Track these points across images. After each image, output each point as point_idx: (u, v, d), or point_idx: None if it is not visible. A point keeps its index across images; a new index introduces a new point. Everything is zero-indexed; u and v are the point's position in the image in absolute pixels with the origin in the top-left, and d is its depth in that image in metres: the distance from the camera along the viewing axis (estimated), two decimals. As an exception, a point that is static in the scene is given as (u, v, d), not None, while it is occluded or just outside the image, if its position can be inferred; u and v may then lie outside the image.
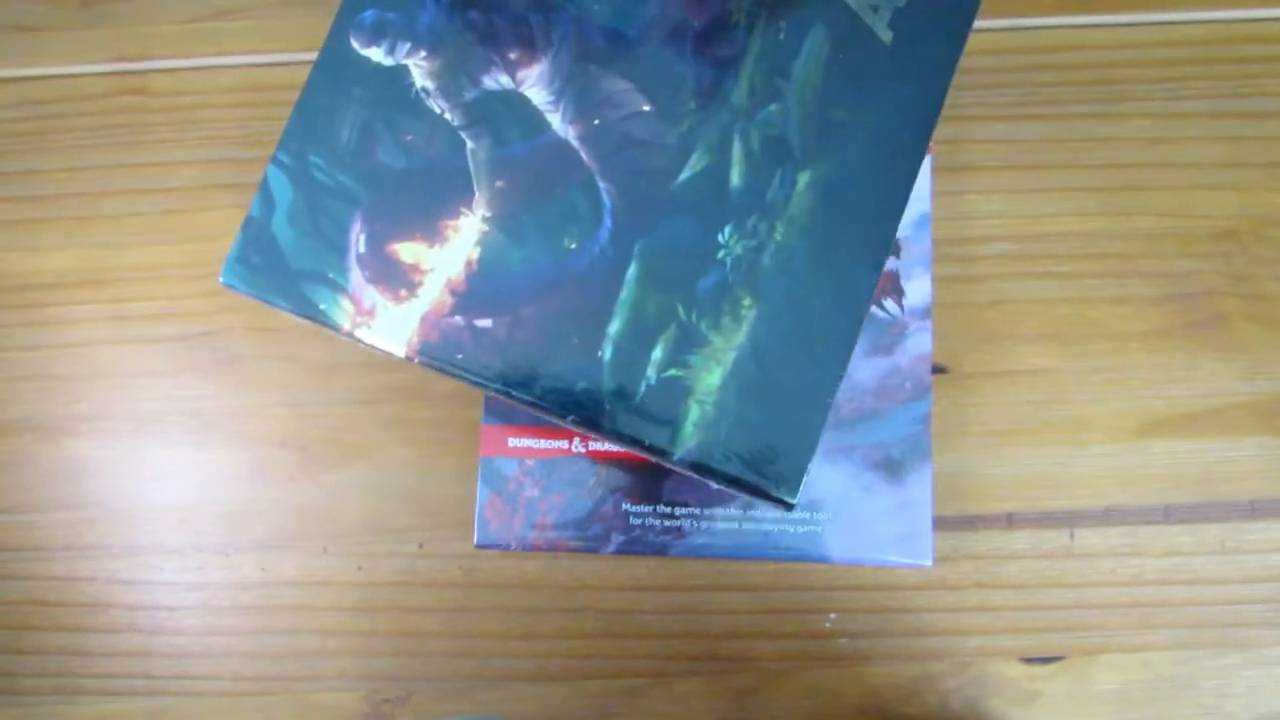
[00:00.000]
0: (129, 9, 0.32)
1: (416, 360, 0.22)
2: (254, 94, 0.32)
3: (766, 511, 0.28)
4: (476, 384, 0.22)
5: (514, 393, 0.22)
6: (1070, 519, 0.30)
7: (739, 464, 0.22)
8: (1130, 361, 0.31)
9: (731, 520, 0.28)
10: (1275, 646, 0.30)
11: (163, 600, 0.31)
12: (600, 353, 0.22)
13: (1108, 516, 0.30)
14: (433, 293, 0.22)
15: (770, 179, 0.22)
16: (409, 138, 0.23)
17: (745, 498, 0.28)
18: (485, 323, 0.22)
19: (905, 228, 0.29)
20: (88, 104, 0.32)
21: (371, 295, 0.22)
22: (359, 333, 0.22)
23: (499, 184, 0.22)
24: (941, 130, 0.32)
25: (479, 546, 0.28)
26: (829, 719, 0.30)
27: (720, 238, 0.22)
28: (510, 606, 0.30)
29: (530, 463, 0.28)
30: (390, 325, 0.22)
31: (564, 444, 0.28)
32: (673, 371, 0.22)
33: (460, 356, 0.22)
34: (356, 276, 0.22)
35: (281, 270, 0.22)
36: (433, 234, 0.22)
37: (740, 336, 0.22)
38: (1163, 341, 0.31)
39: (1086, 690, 0.30)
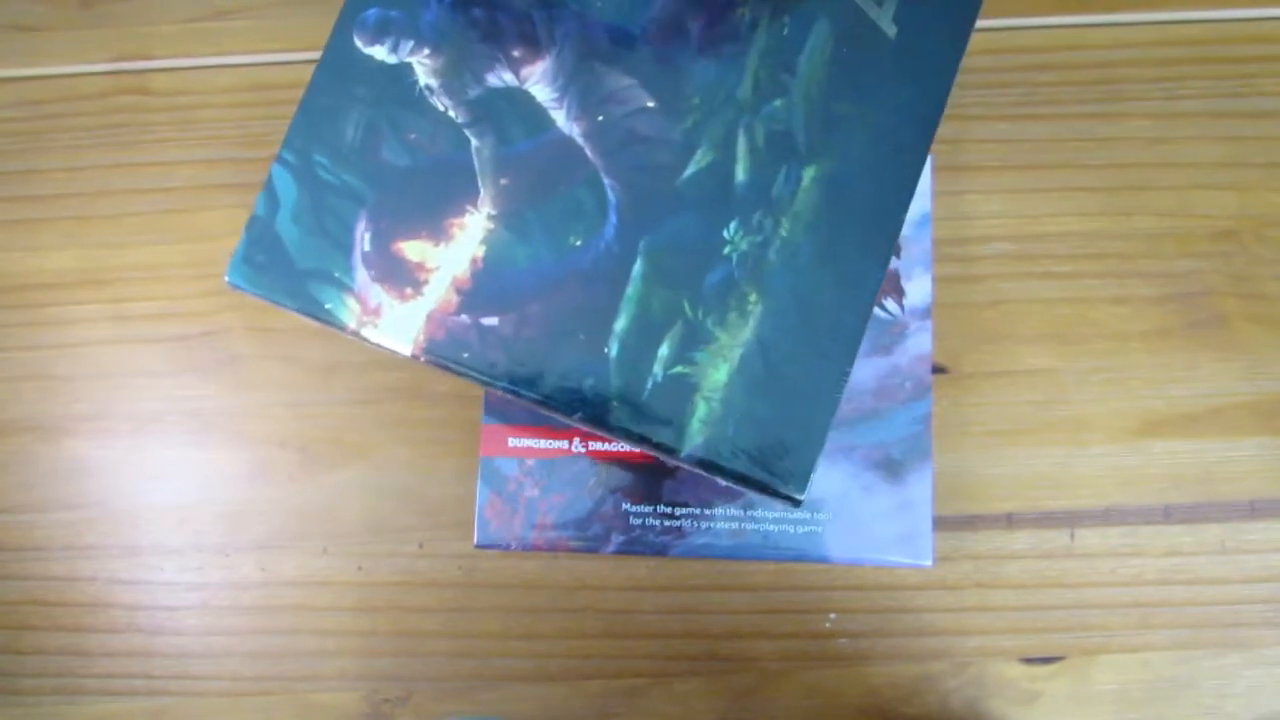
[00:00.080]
0: (129, 9, 0.33)
1: (423, 359, 0.22)
2: (254, 94, 0.32)
3: (767, 512, 0.28)
4: (483, 382, 0.22)
5: (521, 391, 0.22)
6: (1070, 519, 0.30)
7: (746, 461, 0.22)
8: (1130, 361, 0.31)
9: (731, 520, 0.28)
10: (1275, 646, 0.30)
11: (163, 600, 0.31)
12: (607, 350, 0.22)
13: (1108, 516, 0.30)
14: (438, 291, 0.22)
15: (775, 174, 0.22)
16: (413, 136, 0.23)
17: (749, 495, 0.28)
18: (491, 321, 0.22)
19: (905, 227, 0.29)
20: (87, 104, 0.32)
21: (377, 294, 0.22)
22: (365, 332, 0.22)
23: (504, 181, 0.23)
24: (942, 130, 0.32)
25: (479, 546, 0.28)
26: (829, 719, 0.30)
27: (726, 234, 0.22)
28: (510, 606, 0.30)
29: (530, 463, 0.28)
30: (396, 324, 0.22)
31: (564, 444, 0.28)
32: (679, 368, 0.22)
33: (466, 355, 0.22)
34: (362, 275, 0.22)
35: (287, 270, 0.22)
36: (438, 232, 0.22)
37: (747, 333, 0.22)
38: (1163, 341, 0.31)
39: (1086, 690, 0.30)
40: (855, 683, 0.30)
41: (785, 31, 0.23)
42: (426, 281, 0.22)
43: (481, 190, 0.23)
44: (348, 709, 0.30)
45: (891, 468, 0.28)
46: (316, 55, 0.32)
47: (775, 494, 0.22)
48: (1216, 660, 0.30)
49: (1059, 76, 0.32)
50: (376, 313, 0.22)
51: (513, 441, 0.28)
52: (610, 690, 0.30)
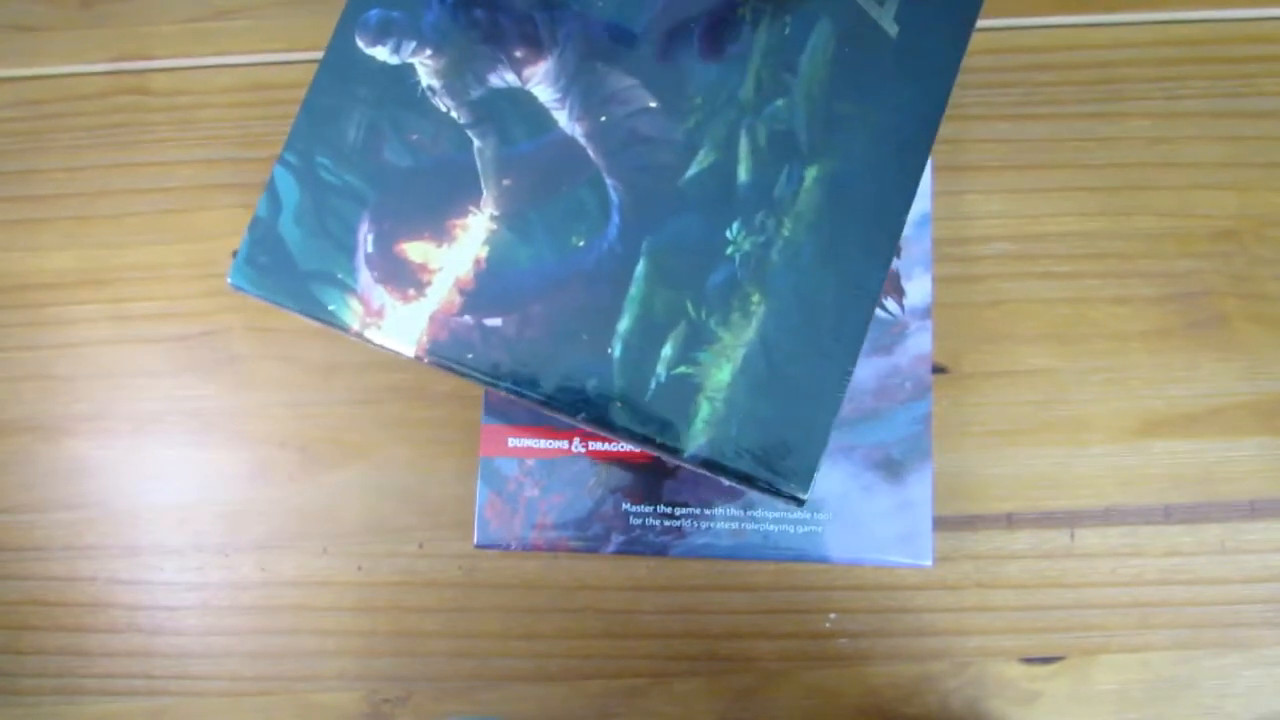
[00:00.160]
0: (129, 9, 0.33)
1: (426, 360, 0.22)
2: (253, 94, 0.32)
3: (767, 512, 0.28)
4: (486, 383, 0.22)
5: (524, 392, 0.22)
6: (1070, 519, 0.30)
7: (750, 460, 0.22)
8: (1130, 361, 0.31)
9: (731, 520, 0.28)
10: (1275, 646, 0.30)
11: (163, 600, 0.31)
12: (610, 350, 0.22)
13: (1108, 516, 0.30)
14: (441, 292, 0.22)
15: (778, 174, 0.23)
16: (415, 137, 0.23)
17: (749, 495, 0.28)
18: (494, 321, 0.22)
19: (905, 227, 0.29)
20: (87, 104, 0.32)
21: (380, 295, 0.22)
22: (368, 333, 0.22)
23: (506, 182, 0.23)
24: (942, 130, 0.32)
25: (479, 546, 0.28)
26: (829, 719, 0.30)
27: (728, 234, 0.22)
28: (510, 606, 0.31)
29: (530, 463, 0.28)
30: (399, 325, 0.22)
31: (564, 444, 0.29)
32: (682, 369, 0.22)
33: (470, 356, 0.22)
34: (365, 277, 0.22)
35: (289, 271, 0.22)
36: (441, 233, 0.23)
37: (749, 333, 0.22)
38: (1163, 341, 0.31)
39: (1086, 690, 0.30)
40: (855, 683, 0.30)
41: (787, 31, 0.23)
42: (429, 282, 0.22)
43: (484, 191, 0.23)
44: (348, 709, 0.30)
45: (891, 468, 0.28)
46: (316, 55, 0.33)
47: (779, 493, 0.22)
48: (1216, 660, 0.30)
49: (1059, 76, 0.32)
50: (379, 314, 0.22)
51: (513, 441, 0.29)
52: (610, 690, 0.30)
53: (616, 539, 0.28)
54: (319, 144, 0.23)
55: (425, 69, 0.23)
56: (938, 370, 0.31)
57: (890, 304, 0.29)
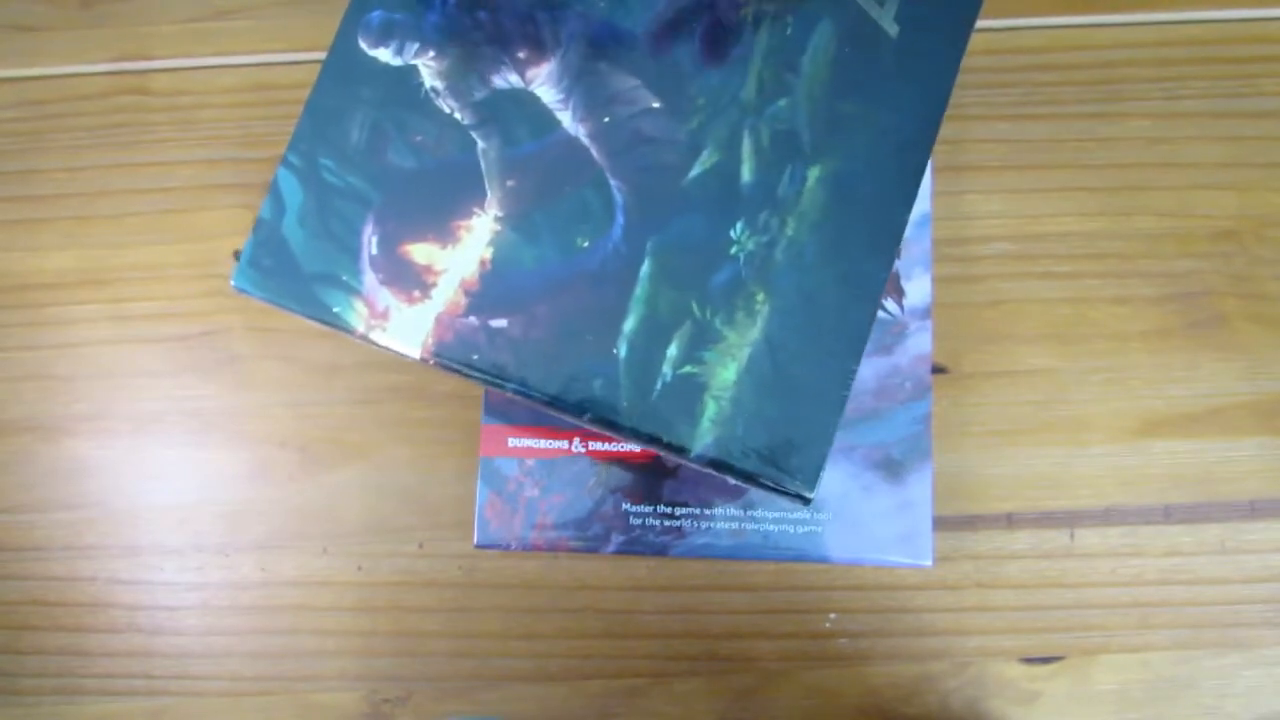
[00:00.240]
0: (129, 9, 0.33)
1: (432, 362, 0.23)
2: (254, 94, 0.33)
3: (767, 512, 0.29)
4: (492, 384, 0.23)
5: (530, 393, 0.22)
6: (1070, 519, 0.31)
7: (756, 459, 0.22)
8: (1130, 361, 0.31)
9: (731, 520, 0.29)
10: (1275, 646, 0.30)
11: (163, 600, 0.31)
12: (615, 350, 0.22)
13: (1108, 516, 0.31)
14: (446, 293, 0.23)
15: (780, 174, 0.23)
16: (419, 138, 0.23)
17: (749, 495, 0.28)
18: (500, 322, 0.23)
19: (905, 228, 0.29)
20: (87, 104, 0.33)
21: (385, 297, 0.23)
22: (373, 335, 0.23)
23: (510, 183, 0.23)
24: (942, 130, 0.32)
25: (479, 546, 0.29)
26: (829, 719, 0.31)
27: (732, 233, 0.23)
28: (510, 606, 0.31)
29: (530, 463, 0.29)
30: (404, 327, 0.23)
31: (564, 444, 0.29)
32: (688, 368, 0.22)
33: (475, 357, 0.22)
34: (369, 278, 0.23)
35: (293, 273, 0.23)
36: (445, 234, 0.23)
37: (754, 332, 0.22)
38: (1163, 341, 0.31)
39: (1086, 690, 0.30)
40: (855, 683, 0.31)
41: (788, 31, 0.23)
42: (434, 284, 0.23)
43: (488, 192, 0.23)
44: (348, 709, 0.31)
45: (891, 468, 0.29)
46: (318, 55, 0.33)
47: (785, 492, 0.22)
48: (1216, 660, 0.30)
49: (1059, 76, 0.32)
50: (384, 316, 0.23)
51: (513, 441, 0.29)
52: (610, 690, 0.31)
53: (616, 539, 0.29)
54: (322, 146, 0.23)
55: (428, 70, 0.23)
56: (938, 370, 0.31)
57: (890, 304, 0.29)
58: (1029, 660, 0.30)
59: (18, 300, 0.32)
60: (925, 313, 0.29)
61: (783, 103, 0.23)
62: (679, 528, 0.29)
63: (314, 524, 0.31)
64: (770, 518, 0.29)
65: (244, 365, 0.32)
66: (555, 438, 0.29)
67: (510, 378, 0.22)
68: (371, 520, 0.31)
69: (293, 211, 0.23)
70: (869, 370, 0.29)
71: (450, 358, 0.22)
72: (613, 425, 0.22)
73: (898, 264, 0.29)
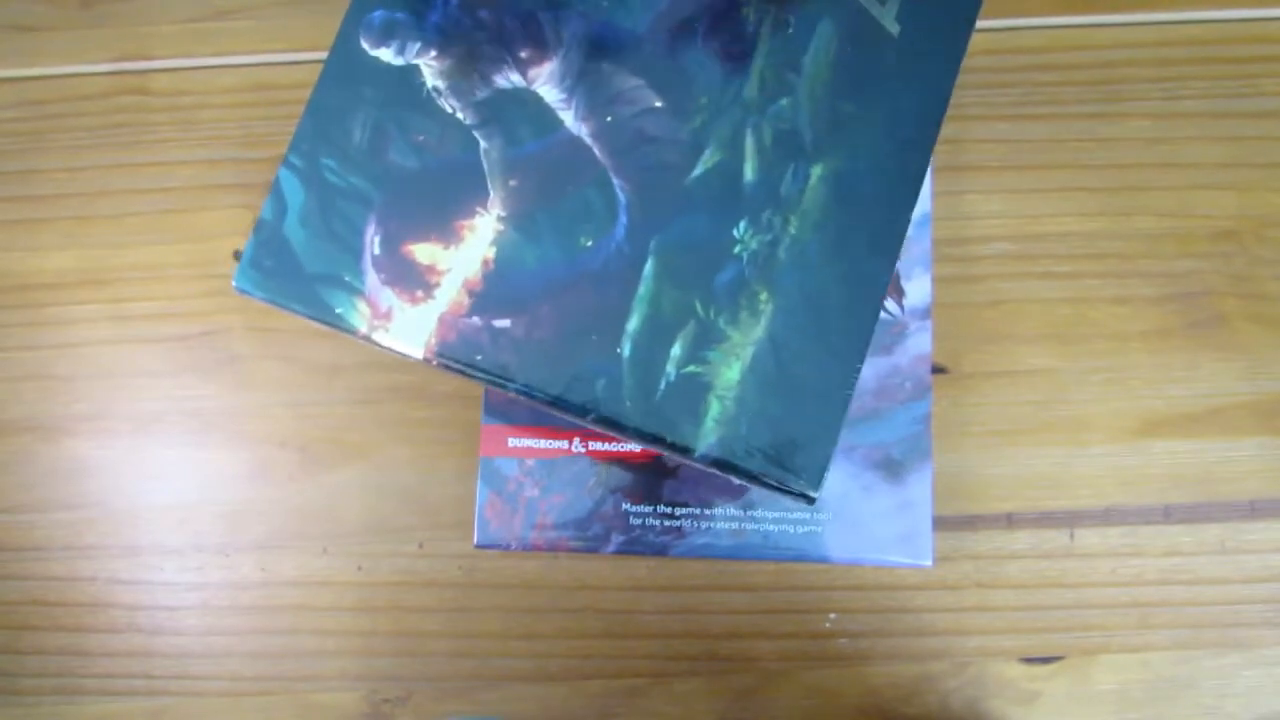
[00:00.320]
0: (129, 9, 0.34)
1: (435, 362, 0.23)
2: (255, 94, 0.33)
3: (767, 511, 0.29)
4: (496, 385, 0.23)
5: (533, 393, 0.23)
6: (1070, 519, 0.31)
7: (761, 459, 0.22)
8: (1130, 361, 0.32)
9: (731, 520, 0.29)
10: (1275, 646, 0.31)
11: (163, 600, 0.32)
12: (619, 350, 0.23)
13: (1108, 516, 0.31)
14: (450, 293, 0.23)
15: (783, 173, 0.23)
16: (421, 138, 0.23)
17: (749, 495, 0.29)
18: (503, 322, 0.23)
19: (908, 226, 0.30)
20: (88, 104, 0.33)
21: (388, 297, 0.23)
22: (376, 336, 0.23)
23: (513, 183, 0.23)
24: (942, 130, 0.33)
25: (479, 546, 0.29)
26: (829, 719, 0.31)
27: (736, 233, 0.23)
28: (510, 606, 0.31)
29: (530, 463, 0.29)
30: (407, 327, 0.23)
31: (564, 444, 0.29)
32: (692, 368, 0.23)
33: (479, 357, 0.23)
34: (372, 279, 0.23)
35: (295, 274, 0.23)
36: (448, 234, 0.23)
37: (758, 331, 0.23)
38: (1163, 341, 0.32)
39: (1086, 690, 0.31)
40: (855, 683, 0.31)
41: (790, 31, 0.24)
42: (437, 284, 0.23)
43: (491, 192, 0.23)
44: (348, 709, 0.31)
45: (891, 468, 0.29)
46: (318, 55, 0.33)
47: (789, 492, 0.22)
48: (1216, 660, 0.31)
49: (1059, 76, 0.33)
50: (387, 316, 0.23)
51: (513, 441, 0.29)
52: (610, 690, 0.31)
53: (616, 539, 0.29)
54: (324, 146, 0.23)
55: (430, 70, 0.23)
56: (938, 370, 0.32)
57: (890, 304, 0.30)
58: (1029, 660, 0.31)
59: (18, 300, 0.33)
60: (925, 313, 0.30)
61: (785, 102, 0.23)
62: (679, 528, 0.29)
63: (314, 524, 0.32)
64: (770, 518, 0.29)
65: (244, 365, 0.32)
66: (555, 438, 0.29)
67: (513, 378, 0.23)
68: (371, 520, 0.32)
69: (294, 212, 0.23)
70: (869, 370, 0.29)
71: (453, 358, 0.23)
72: (616, 425, 0.23)
73: (898, 264, 0.30)
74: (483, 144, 0.23)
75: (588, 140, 0.23)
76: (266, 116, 0.33)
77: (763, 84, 0.23)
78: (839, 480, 0.29)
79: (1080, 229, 0.32)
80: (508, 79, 0.24)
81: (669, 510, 0.29)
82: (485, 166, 0.23)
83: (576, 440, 0.29)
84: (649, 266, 0.23)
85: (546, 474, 0.29)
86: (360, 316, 0.23)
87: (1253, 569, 0.31)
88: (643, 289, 0.23)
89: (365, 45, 0.24)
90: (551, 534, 0.29)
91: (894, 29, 0.24)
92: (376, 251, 0.23)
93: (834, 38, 0.24)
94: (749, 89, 0.23)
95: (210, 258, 0.33)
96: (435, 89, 0.23)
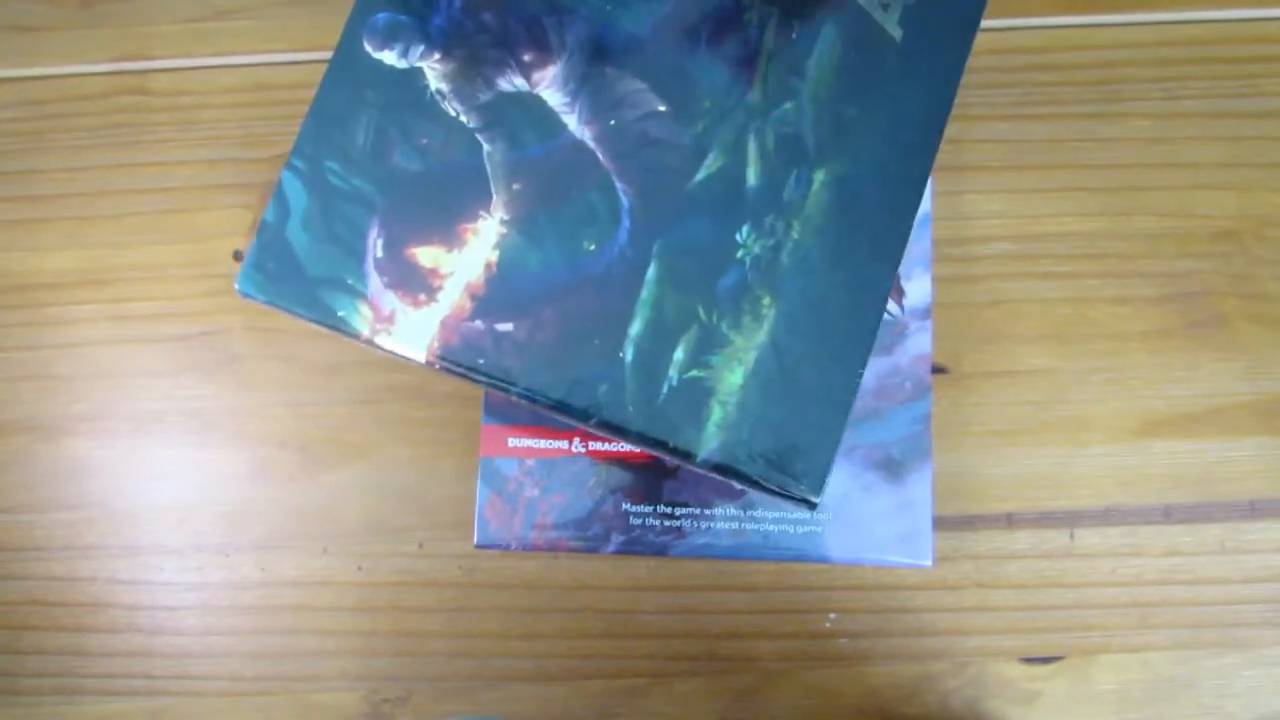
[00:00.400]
0: (129, 9, 0.34)
1: (437, 366, 0.23)
2: (255, 94, 0.34)
3: (767, 512, 0.29)
4: (497, 388, 0.23)
5: (535, 397, 0.23)
6: (1070, 519, 0.32)
7: (762, 464, 0.23)
8: (1130, 361, 0.32)
9: (731, 520, 0.29)
10: (1275, 646, 0.31)
11: (163, 600, 0.32)
12: (622, 354, 0.23)
13: (1108, 516, 0.32)
14: (452, 297, 0.23)
15: (786, 178, 0.23)
16: (424, 141, 0.24)
17: (751, 494, 0.29)
18: (506, 326, 0.23)
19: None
20: (88, 104, 0.34)
21: (390, 301, 0.23)
22: (379, 339, 0.23)
23: (516, 186, 0.23)
24: (942, 130, 0.33)
25: (479, 546, 0.29)
26: (829, 719, 0.31)
27: (739, 237, 0.23)
28: (510, 606, 0.32)
29: (530, 463, 0.30)
30: (410, 331, 0.23)
31: (564, 444, 0.30)
32: (694, 372, 0.23)
33: (482, 361, 0.23)
34: (375, 282, 0.23)
35: (298, 277, 0.23)
36: (451, 238, 0.23)
37: (761, 336, 0.23)
38: (1163, 341, 0.32)
39: (1086, 690, 0.31)
40: (855, 683, 0.31)
41: (793, 36, 0.24)
42: (440, 287, 0.23)
43: (494, 195, 0.23)
44: (348, 709, 0.32)
45: (891, 468, 0.29)
46: (318, 55, 0.34)
47: (790, 497, 0.23)
48: (1216, 660, 0.31)
49: (1059, 76, 0.33)
50: (390, 320, 0.23)
51: (513, 441, 0.30)
52: (610, 690, 0.31)
53: (616, 539, 0.29)
54: (327, 148, 0.23)
55: (434, 73, 0.24)
56: (938, 370, 0.32)
57: (890, 304, 0.30)
58: (1029, 660, 0.31)
59: (18, 300, 0.33)
60: (925, 313, 0.30)
61: (788, 106, 0.24)
62: (679, 528, 0.29)
63: (314, 524, 0.32)
64: (770, 518, 0.29)
65: (244, 365, 0.33)
66: (555, 438, 0.30)
67: (515, 382, 0.23)
68: (371, 520, 0.32)
69: (297, 215, 0.23)
70: (869, 370, 0.30)
71: (456, 362, 0.23)
72: (618, 430, 0.23)
73: (897, 264, 0.30)
74: (486, 147, 0.24)
75: (591, 144, 0.24)
76: (266, 116, 0.33)
77: (766, 88, 0.24)
78: (839, 480, 0.29)
79: (1080, 229, 0.33)
80: (511, 82, 0.24)
81: (669, 510, 0.29)
82: (488, 170, 0.24)
83: (576, 440, 0.30)
84: (652, 270, 0.23)
85: (546, 474, 0.29)
86: (363, 320, 0.23)
87: (1253, 569, 0.31)
88: (645, 293, 0.23)
89: (369, 48, 0.24)
90: (551, 534, 0.29)
91: (897, 34, 0.24)
92: (379, 255, 0.23)
93: (837, 42, 0.24)
94: (752, 93, 0.24)
95: (210, 258, 0.33)
96: (439, 92, 0.24)
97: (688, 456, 0.23)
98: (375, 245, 0.23)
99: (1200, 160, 0.33)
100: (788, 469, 0.23)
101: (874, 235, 0.23)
